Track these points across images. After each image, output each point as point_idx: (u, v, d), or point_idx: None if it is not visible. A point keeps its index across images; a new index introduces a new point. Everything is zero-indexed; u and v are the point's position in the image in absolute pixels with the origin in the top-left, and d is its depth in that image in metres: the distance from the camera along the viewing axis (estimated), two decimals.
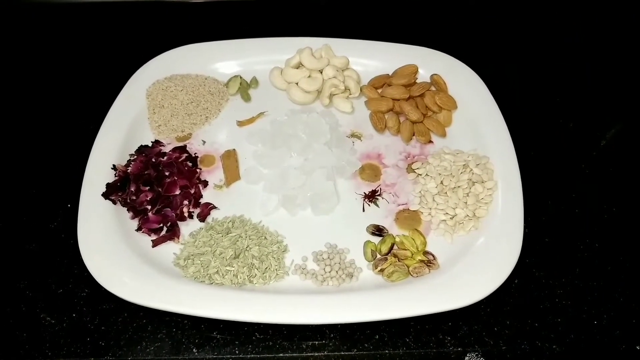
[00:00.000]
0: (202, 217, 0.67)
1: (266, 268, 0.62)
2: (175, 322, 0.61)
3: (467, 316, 0.61)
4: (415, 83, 0.80)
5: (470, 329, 0.61)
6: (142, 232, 0.65)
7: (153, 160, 0.70)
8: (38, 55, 0.90)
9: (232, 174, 0.71)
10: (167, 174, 0.69)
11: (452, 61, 0.82)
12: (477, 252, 0.64)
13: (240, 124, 0.78)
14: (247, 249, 0.63)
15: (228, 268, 0.61)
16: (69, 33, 0.93)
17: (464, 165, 0.70)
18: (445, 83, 0.80)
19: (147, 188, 0.67)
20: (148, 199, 0.66)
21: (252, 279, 0.61)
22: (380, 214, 0.68)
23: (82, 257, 0.61)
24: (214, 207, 0.68)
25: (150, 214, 0.66)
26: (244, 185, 0.71)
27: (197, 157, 0.73)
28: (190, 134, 0.76)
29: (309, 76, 0.79)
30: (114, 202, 0.66)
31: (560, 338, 0.60)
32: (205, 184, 0.70)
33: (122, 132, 0.73)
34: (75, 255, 0.63)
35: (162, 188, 0.67)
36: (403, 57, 0.82)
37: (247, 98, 0.80)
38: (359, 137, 0.76)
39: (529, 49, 0.92)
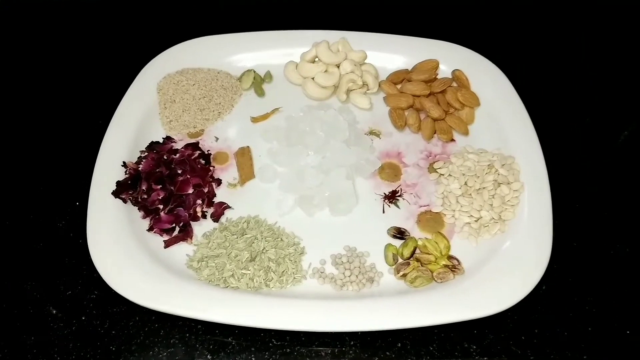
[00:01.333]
0: (216, 217, 0.64)
1: (283, 271, 0.59)
2: (188, 327, 0.58)
3: (494, 324, 0.59)
4: (436, 79, 0.77)
5: (496, 337, 0.58)
6: (154, 232, 0.63)
7: (165, 157, 0.67)
8: (45, 48, 0.87)
9: (246, 172, 0.69)
10: (179, 171, 0.66)
11: (474, 56, 0.79)
12: (503, 256, 0.61)
13: (254, 120, 0.75)
14: (264, 251, 0.60)
15: (244, 271, 0.58)
16: (77, 24, 0.91)
17: (488, 165, 0.67)
18: (467, 79, 0.77)
19: (159, 187, 0.64)
20: (160, 198, 0.64)
21: (268, 282, 0.59)
22: (401, 215, 0.66)
23: (92, 257, 0.59)
24: (228, 207, 0.65)
25: (162, 213, 0.63)
26: (258, 184, 0.68)
27: (210, 154, 0.70)
28: (203, 130, 0.73)
29: (326, 71, 0.77)
30: (125, 201, 0.64)
31: (591, 348, 0.58)
32: (219, 182, 0.68)
33: (132, 128, 0.71)
34: (84, 255, 0.60)
35: (175, 186, 0.65)
36: (423, 51, 0.79)
37: (261, 93, 0.77)
38: (377, 135, 0.73)
39: (554, 43, 0.89)
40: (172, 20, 0.91)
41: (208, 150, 0.70)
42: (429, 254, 0.61)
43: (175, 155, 0.68)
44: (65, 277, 0.62)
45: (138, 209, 0.64)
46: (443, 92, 0.76)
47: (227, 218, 0.65)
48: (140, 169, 0.66)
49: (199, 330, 0.58)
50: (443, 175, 0.68)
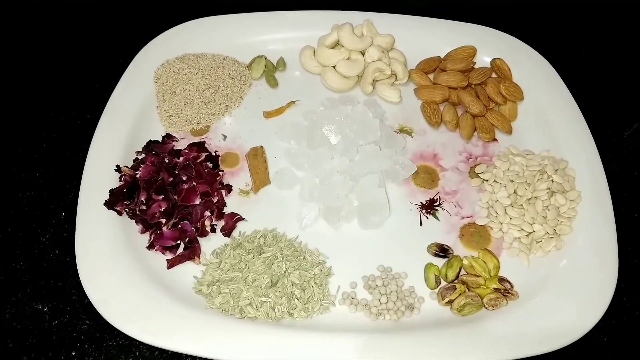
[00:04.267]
0: (227, 231, 0.56)
1: (308, 298, 0.51)
2: None
3: (551, 357, 0.51)
4: (473, 68, 0.69)
5: None
6: (155, 250, 0.55)
7: (166, 161, 0.58)
8: (19, 29, 0.76)
9: (260, 177, 0.60)
10: (184, 178, 0.57)
11: (516, 43, 0.71)
12: (561, 278, 0.54)
13: (268, 115, 0.65)
14: (286, 274, 0.51)
15: (263, 299, 0.50)
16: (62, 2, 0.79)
17: (539, 170, 0.58)
18: (509, 69, 0.68)
19: (161, 197, 0.55)
20: (162, 209, 0.55)
21: (292, 311, 0.50)
22: (441, 228, 0.57)
23: (81, 280, 0.52)
24: (241, 219, 0.56)
25: (164, 228, 0.55)
26: (275, 190, 0.60)
27: (219, 155, 0.61)
28: (208, 127, 0.64)
29: (348, 58, 0.68)
30: (120, 213, 0.55)
31: None
32: (229, 189, 0.58)
33: (126, 124, 0.63)
34: (72, 277, 0.53)
35: (179, 196, 0.55)
36: (458, 37, 0.71)
37: (273, 83, 0.68)
38: (409, 133, 0.65)
39: (605, 29, 0.80)
40: None
41: (216, 151, 0.61)
42: (477, 275, 0.53)
43: (179, 159, 0.58)
44: (50, 303, 0.54)
45: (136, 222, 0.56)
46: (482, 84, 0.67)
47: (239, 232, 0.56)
48: (137, 175, 0.56)
49: None
50: (487, 181, 0.60)
